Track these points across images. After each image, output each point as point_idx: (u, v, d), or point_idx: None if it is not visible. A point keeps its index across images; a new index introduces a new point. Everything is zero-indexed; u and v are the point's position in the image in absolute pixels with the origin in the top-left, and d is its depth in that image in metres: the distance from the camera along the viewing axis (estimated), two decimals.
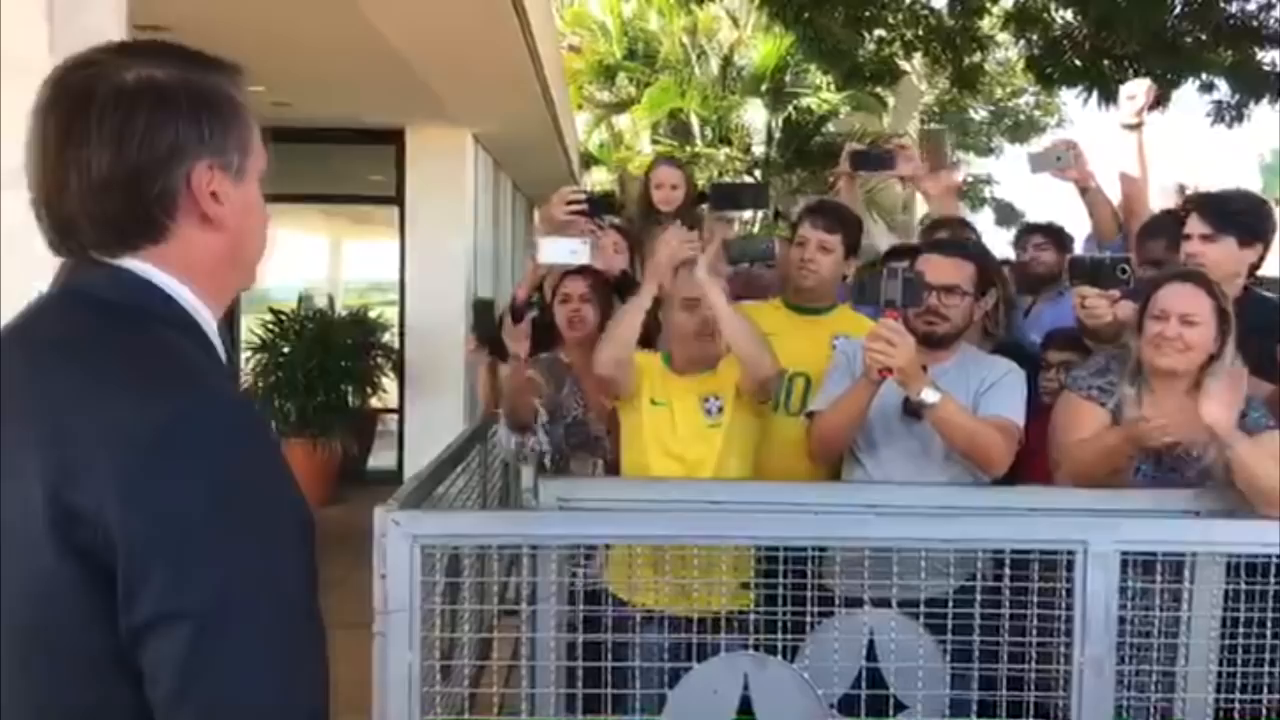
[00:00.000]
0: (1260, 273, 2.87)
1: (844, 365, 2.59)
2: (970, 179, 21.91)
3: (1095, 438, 2.44)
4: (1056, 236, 3.66)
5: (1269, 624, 2.21)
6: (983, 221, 21.21)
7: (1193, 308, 2.38)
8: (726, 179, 12.91)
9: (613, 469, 2.90)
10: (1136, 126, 3.25)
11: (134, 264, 0.96)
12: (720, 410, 2.66)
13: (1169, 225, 2.94)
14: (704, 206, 3.56)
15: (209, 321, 1.00)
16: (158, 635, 0.84)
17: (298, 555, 0.92)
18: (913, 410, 2.48)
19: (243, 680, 0.86)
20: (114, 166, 0.92)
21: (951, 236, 3.07)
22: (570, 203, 3.23)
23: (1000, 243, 6.07)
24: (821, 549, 2.34)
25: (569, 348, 3.11)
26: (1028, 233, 3.76)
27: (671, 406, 2.70)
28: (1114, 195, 3.31)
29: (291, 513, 0.92)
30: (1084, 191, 3.20)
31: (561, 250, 3.04)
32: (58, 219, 0.95)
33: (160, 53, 0.97)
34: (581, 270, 3.10)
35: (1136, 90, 3.26)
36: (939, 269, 2.53)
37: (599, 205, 3.31)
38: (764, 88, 14.30)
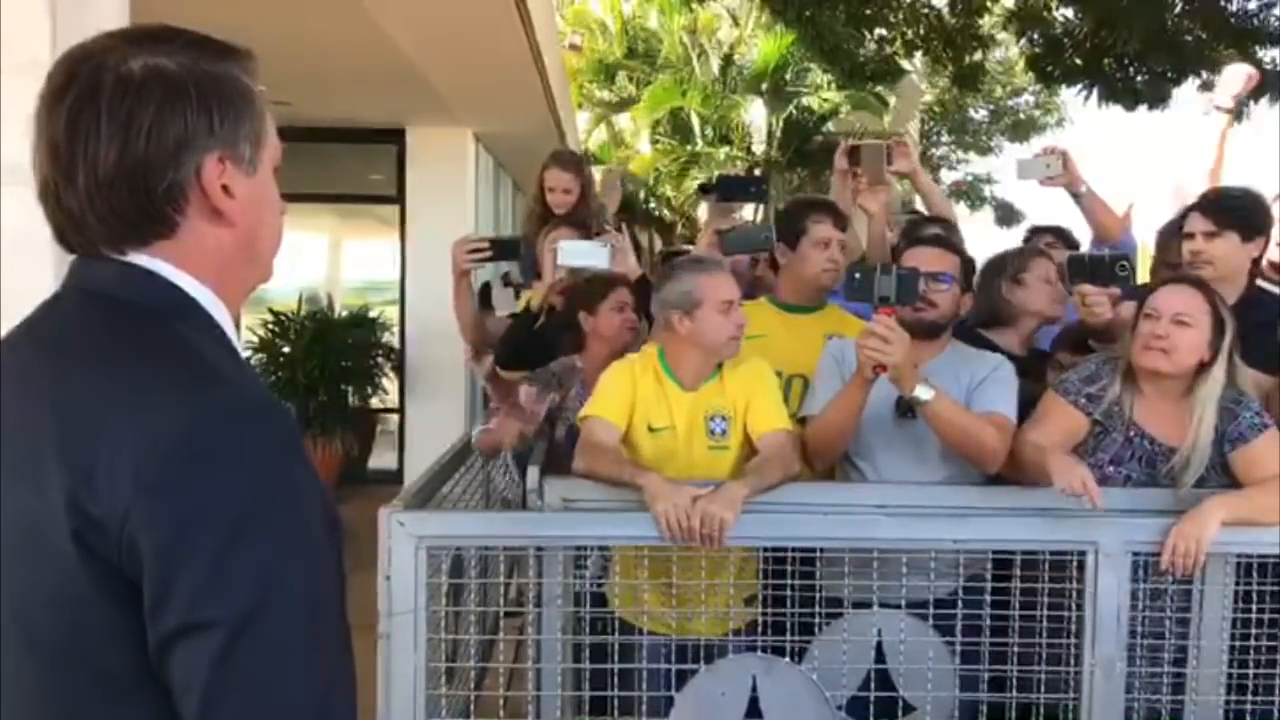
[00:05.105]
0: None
1: (833, 368, 2.54)
2: (970, 178, 21.92)
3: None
4: (1064, 237, 3.65)
5: None
6: (983, 221, 21.22)
7: (1187, 308, 2.34)
8: (732, 171, 12.86)
9: None
10: (1229, 110, 3.21)
11: (145, 260, 0.92)
12: (725, 432, 2.49)
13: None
14: (710, 198, 3.55)
15: (225, 318, 0.96)
16: (188, 645, 0.82)
17: (327, 556, 0.89)
18: (906, 410, 2.46)
19: (277, 687, 0.83)
20: (121, 160, 0.89)
21: (938, 233, 3.04)
22: (472, 251, 3.24)
23: (1002, 243, 6.05)
24: (826, 550, 2.32)
25: (591, 357, 3.01)
26: (1036, 234, 3.74)
27: (675, 431, 2.49)
28: (1108, 195, 3.30)
29: (320, 513, 0.90)
30: (1077, 197, 3.19)
31: (582, 253, 3.03)
32: (65, 214, 0.92)
33: (169, 39, 0.93)
34: (618, 278, 3.07)
35: (1235, 75, 3.20)
36: (925, 258, 2.51)
37: (502, 250, 3.31)
38: (764, 86, 14.30)
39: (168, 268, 0.93)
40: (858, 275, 2.36)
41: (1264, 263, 2.87)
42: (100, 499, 0.82)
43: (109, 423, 0.84)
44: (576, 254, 3.05)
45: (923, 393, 2.29)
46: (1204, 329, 2.34)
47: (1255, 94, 8.14)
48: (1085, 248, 3.44)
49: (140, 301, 0.92)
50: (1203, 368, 2.35)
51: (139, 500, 0.81)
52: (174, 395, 0.85)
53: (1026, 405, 2.53)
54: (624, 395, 2.49)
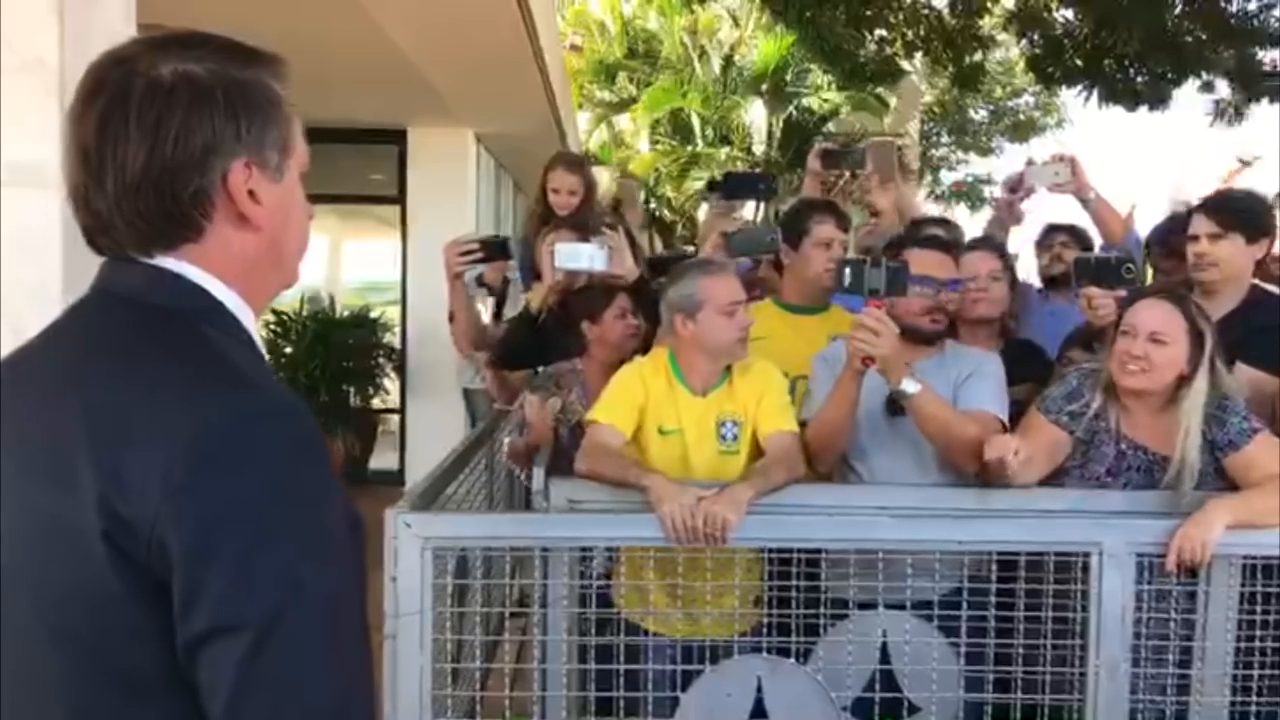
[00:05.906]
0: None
1: (827, 374, 2.55)
2: (970, 179, 21.91)
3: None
4: (1079, 236, 3.66)
5: None
6: (983, 221, 21.17)
7: (1163, 326, 2.31)
8: (738, 169, 12.86)
9: None
10: (1086, 201, 3.19)
11: (173, 263, 0.93)
12: (736, 437, 2.50)
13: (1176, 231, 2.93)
14: (712, 196, 3.54)
15: (251, 322, 0.97)
16: (216, 647, 0.82)
17: (347, 556, 0.90)
18: (896, 410, 2.46)
19: (299, 687, 0.85)
20: (148, 165, 0.90)
21: (937, 234, 3.04)
22: (464, 253, 3.24)
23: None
24: (831, 552, 2.32)
25: (593, 362, 3.01)
26: (1051, 233, 3.75)
27: (684, 435, 2.49)
28: (1108, 195, 3.30)
29: (342, 514, 0.90)
30: (1085, 203, 3.20)
31: (580, 256, 3.02)
32: (93, 216, 0.92)
33: (199, 45, 0.94)
34: (618, 284, 3.07)
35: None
36: (923, 263, 2.52)
37: (492, 250, 3.32)
38: (765, 87, 14.31)
39: (195, 271, 0.94)
40: (848, 268, 2.37)
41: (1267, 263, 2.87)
42: (130, 500, 0.83)
43: (136, 425, 0.85)
44: (573, 256, 3.04)
45: (909, 386, 2.31)
46: (1181, 345, 2.32)
47: (1255, 94, 8.15)
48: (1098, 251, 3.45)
49: (167, 304, 0.92)
50: (1183, 380, 2.33)
51: (167, 502, 0.82)
52: (197, 397, 0.86)
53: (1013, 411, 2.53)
54: (633, 400, 2.48)
